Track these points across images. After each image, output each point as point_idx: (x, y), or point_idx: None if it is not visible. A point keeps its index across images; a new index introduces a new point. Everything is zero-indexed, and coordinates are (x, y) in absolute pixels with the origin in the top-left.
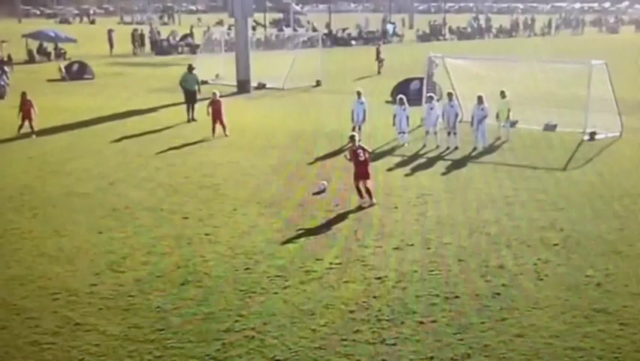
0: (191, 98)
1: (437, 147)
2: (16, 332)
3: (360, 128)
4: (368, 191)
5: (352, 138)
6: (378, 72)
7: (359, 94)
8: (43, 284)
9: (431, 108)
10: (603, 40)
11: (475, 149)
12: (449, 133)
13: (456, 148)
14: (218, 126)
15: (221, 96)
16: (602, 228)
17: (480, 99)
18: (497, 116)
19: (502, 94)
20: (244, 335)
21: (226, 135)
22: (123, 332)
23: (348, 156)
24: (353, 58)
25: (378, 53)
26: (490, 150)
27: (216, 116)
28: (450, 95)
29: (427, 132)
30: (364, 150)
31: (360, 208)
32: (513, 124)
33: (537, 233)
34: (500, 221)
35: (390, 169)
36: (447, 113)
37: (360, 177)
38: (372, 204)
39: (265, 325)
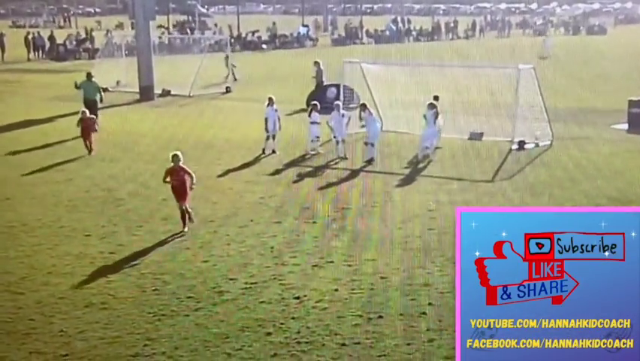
0: (90, 109)
1: (349, 158)
2: None
3: (274, 138)
4: (186, 214)
5: (175, 156)
6: (234, 79)
7: (272, 101)
8: None
9: (342, 115)
10: (530, 43)
11: (403, 160)
12: (366, 143)
13: (371, 160)
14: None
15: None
16: None
17: (432, 105)
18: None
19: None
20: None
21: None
22: (24, 358)
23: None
24: (264, 63)
25: (227, 57)
26: (412, 161)
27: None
28: (363, 105)
29: (337, 142)
30: (185, 170)
31: (277, 223)
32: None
33: None
34: (424, 236)
35: (304, 181)
36: (367, 124)
37: (181, 198)
38: (182, 232)
39: (176, 349)
